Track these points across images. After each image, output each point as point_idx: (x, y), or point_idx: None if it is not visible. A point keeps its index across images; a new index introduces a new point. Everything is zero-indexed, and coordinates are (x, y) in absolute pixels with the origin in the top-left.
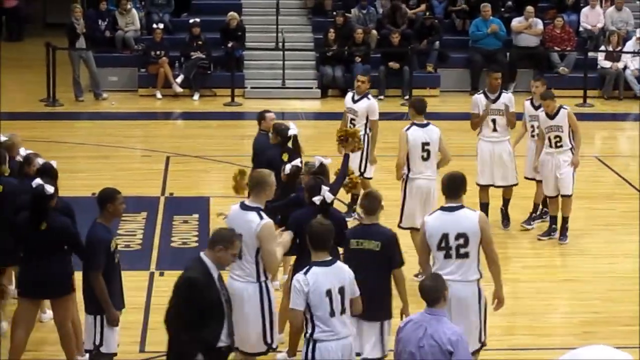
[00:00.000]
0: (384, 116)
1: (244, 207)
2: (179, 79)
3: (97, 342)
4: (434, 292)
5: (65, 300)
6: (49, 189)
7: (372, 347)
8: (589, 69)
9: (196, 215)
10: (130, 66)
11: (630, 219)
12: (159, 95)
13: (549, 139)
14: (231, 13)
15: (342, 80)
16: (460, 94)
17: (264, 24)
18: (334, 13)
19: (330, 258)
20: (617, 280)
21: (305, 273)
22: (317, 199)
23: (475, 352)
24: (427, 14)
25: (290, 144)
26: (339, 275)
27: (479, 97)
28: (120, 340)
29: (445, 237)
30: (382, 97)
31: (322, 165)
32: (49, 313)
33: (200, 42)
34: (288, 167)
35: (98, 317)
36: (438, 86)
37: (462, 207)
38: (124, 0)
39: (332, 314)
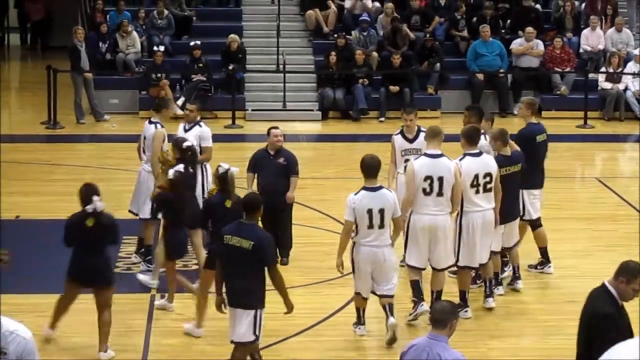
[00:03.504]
0: (385, 138)
1: (432, 156)
2: (180, 102)
3: (257, 332)
4: (443, 314)
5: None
6: (100, 205)
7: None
8: (589, 90)
9: None
10: (131, 89)
11: (631, 240)
12: None
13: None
14: (232, 35)
15: (343, 102)
16: (461, 115)
17: (265, 46)
18: (335, 35)
19: (378, 185)
20: None
21: (356, 194)
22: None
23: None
24: (428, 35)
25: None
26: (381, 199)
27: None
28: None
29: (476, 177)
30: (382, 118)
31: (224, 173)
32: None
33: (201, 65)
34: (171, 173)
35: (258, 311)
36: (439, 108)
37: (482, 152)
38: (125, 23)
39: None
